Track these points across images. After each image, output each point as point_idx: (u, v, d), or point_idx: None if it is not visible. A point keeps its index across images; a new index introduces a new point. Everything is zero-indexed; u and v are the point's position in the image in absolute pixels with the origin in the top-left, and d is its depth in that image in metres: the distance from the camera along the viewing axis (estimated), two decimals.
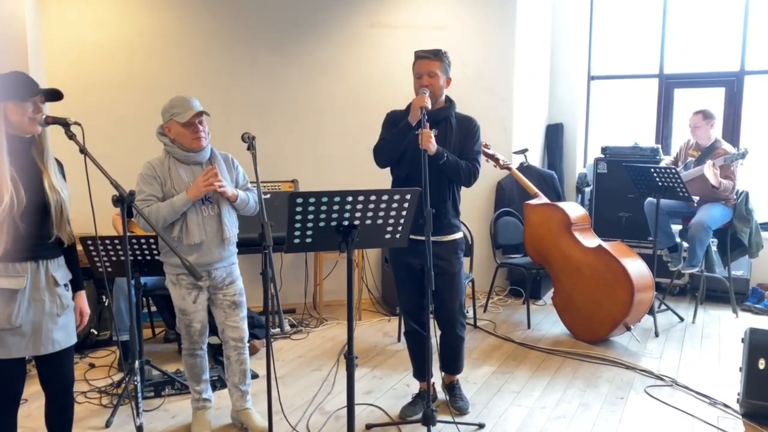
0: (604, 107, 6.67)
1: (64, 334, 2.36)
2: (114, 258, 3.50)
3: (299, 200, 2.26)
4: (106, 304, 4.38)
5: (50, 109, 2.35)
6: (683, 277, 5.59)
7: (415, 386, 3.59)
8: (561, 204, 4.75)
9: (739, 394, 3.32)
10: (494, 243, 5.26)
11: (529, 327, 4.84)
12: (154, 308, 4.63)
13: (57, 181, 2.32)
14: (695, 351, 4.33)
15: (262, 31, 5.16)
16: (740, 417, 3.30)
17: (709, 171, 4.74)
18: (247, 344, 3.21)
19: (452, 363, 3.41)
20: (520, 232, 5.17)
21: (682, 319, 4.97)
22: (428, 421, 2.91)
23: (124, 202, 2.24)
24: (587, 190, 6.28)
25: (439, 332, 3.32)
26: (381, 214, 2.41)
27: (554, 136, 6.50)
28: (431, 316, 3.18)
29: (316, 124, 5.37)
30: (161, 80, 4.92)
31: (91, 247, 3.39)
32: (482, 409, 3.44)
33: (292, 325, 4.87)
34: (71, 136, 2.24)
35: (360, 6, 5.39)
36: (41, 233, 2.28)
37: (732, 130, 5.94)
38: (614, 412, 3.39)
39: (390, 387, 3.75)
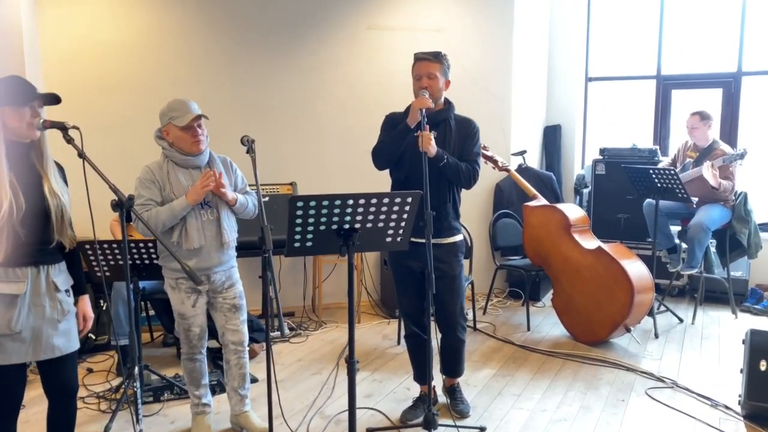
0: (601, 109, 6.67)
1: (65, 340, 2.34)
2: (112, 262, 3.47)
3: (299, 204, 2.25)
4: (104, 308, 4.35)
5: (47, 112, 2.33)
6: (682, 278, 5.59)
7: (415, 389, 3.58)
8: (560, 205, 4.75)
9: (740, 396, 3.31)
10: (493, 245, 5.25)
11: (528, 329, 4.83)
12: (152, 312, 4.61)
13: (57, 186, 2.30)
14: (695, 352, 4.32)
15: (259, 33, 5.15)
16: (742, 419, 3.29)
17: (708, 172, 4.74)
18: (247, 348, 3.20)
19: (453, 366, 3.40)
20: (518, 234, 5.17)
21: (681, 321, 4.97)
22: (429, 424, 2.90)
23: (123, 206, 2.22)
24: (585, 191, 6.28)
25: (439, 335, 3.31)
26: (382, 217, 2.40)
27: (552, 137, 6.50)
28: (432, 318, 3.18)
29: (314, 127, 5.36)
30: (159, 83, 4.90)
31: (89, 252, 3.37)
32: (483, 413, 3.43)
33: (291, 329, 4.85)
34: (69, 141, 2.23)
35: (358, 8, 5.38)
36: (42, 238, 2.26)
37: (729, 131, 5.94)
38: (615, 415, 3.38)
39: (390, 390, 3.73)
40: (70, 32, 4.73)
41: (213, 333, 3.24)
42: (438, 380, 3.50)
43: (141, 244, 3.43)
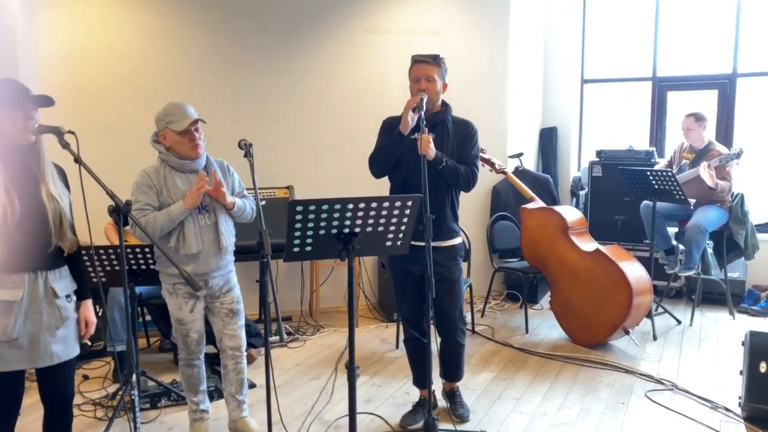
0: (597, 111, 6.68)
1: (63, 347, 2.30)
2: (108, 268, 3.44)
3: (299, 208, 2.23)
4: (100, 314, 4.31)
5: (43, 116, 2.30)
6: (679, 280, 5.59)
7: (414, 394, 3.55)
8: (557, 208, 4.74)
9: (740, 398, 3.30)
10: (491, 247, 5.23)
11: (527, 331, 4.82)
12: (148, 317, 4.57)
13: (56, 190, 2.27)
14: (694, 354, 4.32)
15: (255, 36, 5.13)
16: (742, 421, 3.29)
17: (705, 172, 4.74)
18: (245, 353, 3.17)
19: (453, 370, 3.38)
20: (516, 237, 5.15)
21: (679, 322, 4.97)
22: (430, 429, 2.87)
23: (121, 212, 2.19)
24: (582, 193, 6.28)
25: (439, 339, 3.29)
26: (382, 221, 2.38)
27: (548, 139, 6.50)
28: (431, 322, 3.16)
29: (311, 130, 5.34)
30: (154, 86, 4.87)
31: (85, 257, 3.33)
32: (483, 417, 3.41)
33: (288, 333, 4.82)
34: (65, 145, 2.19)
35: (354, 11, 5.37)
36: (39, 243, 2.22)
37: (725, 133, 5.96)
38: (616, 418, 3.37)
39: (389, 395, 3.71)
40: (64, 35, 4.70)
41: (210, 338, 3.21)
42: (437, 384, 3.48)
43: (137, 249, 3.39)
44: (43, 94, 2.25)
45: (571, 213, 4.71)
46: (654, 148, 5.86)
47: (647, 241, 5.15)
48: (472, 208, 5.68)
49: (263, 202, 4.83)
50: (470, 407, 3.45)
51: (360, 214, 2.31)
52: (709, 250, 5.10)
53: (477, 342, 4.61)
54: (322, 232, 2.31)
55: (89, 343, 4.30)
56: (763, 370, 3.19)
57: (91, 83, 4.77)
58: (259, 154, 2.96)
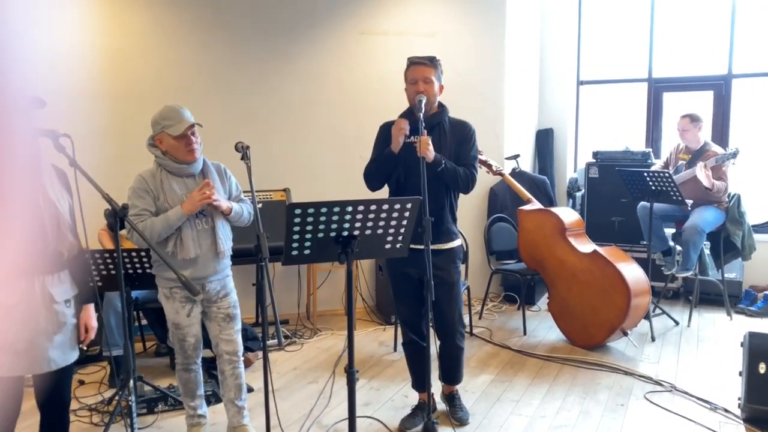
0: (593, 112, 6.68)
1: (60, 353, 2.27)
2: (104, 272, 3.41)
3: (298, 211, 2.21)
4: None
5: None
6: (676, 281, 5.59)
7: (413, 397, 3.53)
8: (555, 209, 4.73)
9: (740, 399, 3.30)
10: (488, 249, 5.22)
11: (525, 333, 4.81)
12: (144, 322, 4.54)
13: (53, 193, 2.23)
14: (692, 355, 4.31)
15: (251, 38, 5.11)
16: (742, 422, 3.28)
17: (701, 173, 4.74)
18: (242, 358, 3.15)
19: (452, 373, 3.37)
20: (513, 238, 5.15)
21: (677, 323, 4.97)
22: None
23: (117, 215, 2.17)
24: (578, 194, 6.28)
25: (438, 342, 3.27)
26: (381, 224, 2.36)
27: (544, 141, 6.50)
28: (430, 325, 3.15)
29: (307, 132, 5.32)
30: (149, 89, 4.84)
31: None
32: (482, 420, 3.40)
33: (285, 336, 4.79)
34: (60, 149, 2.17)
35: (350, 13, 5.35)
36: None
37: (721, 133, 5.97)
38: (615, 420, 3.36)
39: (388, 398, 3.69)
40: (58, 37, 4.67)
41: (207, 343, 3.19)
42: (436, 387, 3.46)
43: (133, 253, 3.37)
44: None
45: (568, 214, 4.70)
46: (650, 149, 5.86)
47: (644, 242, 5.15)
48: (469, 210, 5.67)
49: (260, 205, 4.80)
50: (469, 410, 3.44)
51: (359, 216, 2.30)
52: (706, 251, 5.11)
53: (475, 344, 4.59)
54: (320, 235, 2.29)
55: (85, 348, 4.26)
56: (762, 371, 3.19)
57: (85, 87, 4.74)
58: (255, 156, 2.94)
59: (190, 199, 2.83)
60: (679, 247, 5.05)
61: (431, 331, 3.20)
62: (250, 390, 3.68)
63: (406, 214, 2.39)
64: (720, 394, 3.60)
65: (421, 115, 2.94)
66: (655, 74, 6.25)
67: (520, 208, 4.77)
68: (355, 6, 5.36)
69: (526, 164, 6.29)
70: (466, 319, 4.75)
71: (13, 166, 0.74)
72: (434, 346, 3.24)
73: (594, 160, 5.92)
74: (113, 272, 3.39)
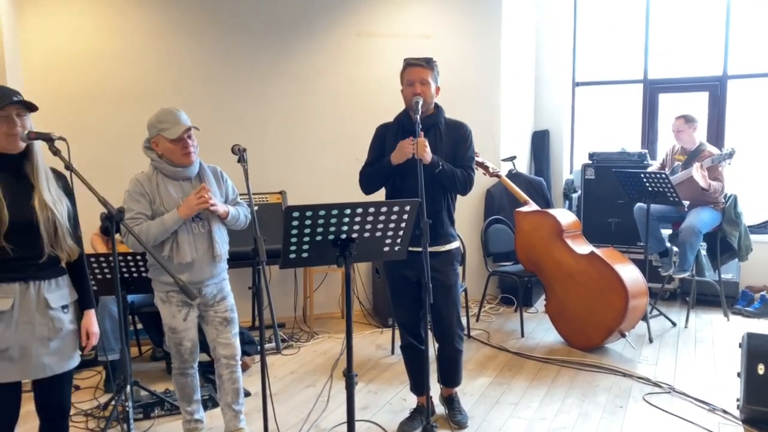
0: (589, 113, 6.69)
1: (56, 359, 2.24)
2: (99, 276, 3.39)
3: (296, 214, 2.19)
4: None
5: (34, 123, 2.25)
6: (673, 282, 5.59)
7: (411, 400, 3.52)
8: (552, 211, 4.73)
9: (738, 400, 3.29)
10: (485, 251, 5.21)
11: (522, 335, 4.80)
12: (140, 326, 4.50)
13: (50, 197, 2.19)
14: (690, 356, 4.31)
15: (247, 40, 5.09)
16: (741, 423, 3.27)
17: (698, 173, 4.74)
18: (240, 362, 3.12)
19: (451, 376, 3.35)
20: (510, 240, 5.14)
21: (674, 324, 4.97)
22: None
23: (114, 219, 2.14)
24: (574, 196, 6.28)
25: (436, 345, 3.26)
26: (380, 226, 2.34)
27: (540, 142, 6.50)
28: (428, 327, 3.13)
29: (303, 134, 5.30)
30: (144, 92, 4.82)
31: None
32: (481, 422, 3.38)
33: (282, 340, 4.77)
34: (56, 152, 2.14)
35: (346, 15, 5.34)
36: (31, 253, 2.16)
37: (716, 134, 5.97)
38: (614, 422, 3.35)
39: (386, 402, 3.67)
40: (52, 41, 4.64)
41: (204, 346, 3.16)
42: (434, 390, 3.45)
43: (129, 257, 3.34)
44: (23, 99, 2.17)
45: (565, 216, 4.69)
46: (646, 150, 5.87)
47: (641, 244, 5.15)
48: (466, 212, 5.65)
49: (256, 208, 4.77)
50: (468, 413, 3.42)
51: (357, 219, 2.28)
52: (703, 252, 5.11)
53: (473, 347, 4.58)
54: (319, 238, 2.27)
55: (84, 354, 4.23)
56: (761, 371, 3.18)
57: (79, 90, 4.72)
58: (250, 158, 2.91)
59: (186, 203, 2.80)
60: (675, 248, 5.05)
61: (429, 333, 3.19)
62: (247, 394, 3.66)
63: (405, 216, 2.37)
64: (718, 395, 3.60)
65: (418, 117, 2.92)
66: (650, 75, 6.25)
67: (517, 209, 4.76)
68: (351, 8, 5.35)
69: (523, 166, 6.28)
70: (463, 321, 4.76)
71: None
72: (433, 348, 3.23)
73: (590, 162, 5.92)
74: (108, 276, 3.37)
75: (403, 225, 2.39)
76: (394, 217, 2.35)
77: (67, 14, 4.67)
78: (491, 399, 3.67)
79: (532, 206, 4.74)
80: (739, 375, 3.31)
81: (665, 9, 6.15)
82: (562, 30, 6.44)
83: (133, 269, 3.37)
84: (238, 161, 2.80)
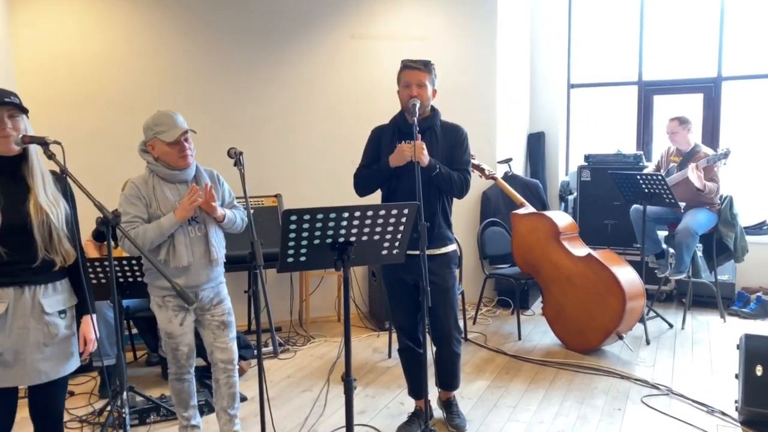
0: (584, 115, 6.69)
1: (52, 365, 2.21)
2: (94, 281, 3.35)
3: (293, 218, 2.17)
4: None
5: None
6: (670, 283, 5.60)
7: (409, 404, 3.50)
8: (548, 213, 4.72)
9: (737, 402, 3.29)
10: (481, 254, 5.20)
11: (519, 338, 4.78)
12: (135, 331, 4.47)
13: (46, 200, 2.17)
14: (687, 358, 4.31)
15: (241, 43, 5.07)
16: (739, 425, 3.27)
17: (693, 174, 4.75)
18: (237, 366, 3.10)
19: (449, 379, 3.33)
20: (507, 243, 5.13)
21: (671, 326, 4.97)
22: None
23: (110, 223, 2.12)
24: (570, 198, 6.28)
25: (434, 348, 3.24)
26: (378, 229, 2.33)
27: (536, 144, 6.49)
28: (426, 331, 3.11)
29: (298, 137, 5.29)
30: (139, 95, 4.79)
31: None
32: (479, 426, 3.36)
33: (279, 344, 4.75)
34: (51, 156, 2.12)
35: (341, 18, 5.33)
36: (25, 257, 2.13)
37: (711, 136, 5.99)
38: (613, 424, 3.34)
39: (384, 406, 3.65)
40: (45, 45, 4.61)
41: (200, 351, 3.14)
42: (432, 394, 3.43)
43: (124, 261, 3.31)
44: (13, 101, 2.15)
45: (562, 218, 4.69)
46: (642, 152, 5.88)
47: (637, 245, 5.15)
48: (462, 215, 5.64)
49: (252, 211, 4.75)
50: (466, 417, 3.40)
51: (355, 222, 2.26)
52: (699, 253, 5.11)
53: (470, 349, 4.56)
54: (316, 241, 2.25)
55: (83, 360, 4.19)
56: (759, 373, 3.18)
57: (74, 93, 4.68)
58: (246, 162, 2.89)
59: (181, 205, 2.78)
60: (672, 250, 5.05)
61: (427, 337, 3.17)
62: (243, 399, 3.64)
63: (403, 219, 2.35)
64: (716, 397, 3.59)
65: (415, 119, 2.91)
66: (645, 77, 6.27)
67: (514, 212, 4.76)
68: (345, 10, 5.34)
69: (518, 168, 6.28)
70: (460, 324, 4.74)
71: None
72: (430, 352, 3.21)
73: (586, 164, 5.93)
74: (103, 281, 3.34)
75: (401, 228, 2.38)
76: (392, 220, 2.33)
77: (61, 17, 4.64)
78: (489, 402, 3.66)
79: (529, 208, 4.74)
80: (737, 376, 3.31)
81: (659, 11, 6.16)
82: (557, 32, 6.45)
83: (129, 274, 3.34)
84: (235, 164, 2.78)
